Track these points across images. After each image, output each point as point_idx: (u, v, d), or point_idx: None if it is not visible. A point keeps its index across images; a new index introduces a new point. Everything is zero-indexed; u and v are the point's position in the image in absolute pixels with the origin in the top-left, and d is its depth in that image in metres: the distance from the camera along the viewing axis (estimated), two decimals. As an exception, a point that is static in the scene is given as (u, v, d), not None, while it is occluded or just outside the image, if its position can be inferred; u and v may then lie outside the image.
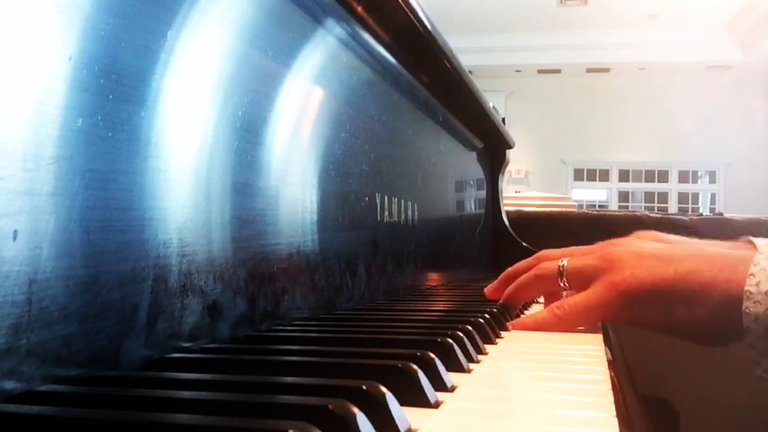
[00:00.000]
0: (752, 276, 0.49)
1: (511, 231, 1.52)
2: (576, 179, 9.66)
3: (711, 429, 1.18)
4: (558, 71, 9.26)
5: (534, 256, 0.70)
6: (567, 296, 0.65)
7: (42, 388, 0.29)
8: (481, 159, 1.46)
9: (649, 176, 9.60)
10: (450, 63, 0.92)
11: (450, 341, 0.42)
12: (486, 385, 0.40)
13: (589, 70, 9.18)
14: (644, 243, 0.61)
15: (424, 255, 0.95)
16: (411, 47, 0.82)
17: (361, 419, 0.25)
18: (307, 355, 0.41)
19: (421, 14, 0.76)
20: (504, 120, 1.52)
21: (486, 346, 0.50)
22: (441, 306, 0.79)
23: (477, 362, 0.45)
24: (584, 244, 0.68)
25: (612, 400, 0.34)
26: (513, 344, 0.55)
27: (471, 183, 1.35)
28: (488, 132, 1.41)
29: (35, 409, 0.26)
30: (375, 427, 0.25)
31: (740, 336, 0.49)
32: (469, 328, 0.48)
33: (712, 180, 9.40)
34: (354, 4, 0.67)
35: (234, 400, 0.27)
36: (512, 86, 9.44)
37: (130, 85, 0.36)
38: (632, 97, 9.16)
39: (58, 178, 0.30)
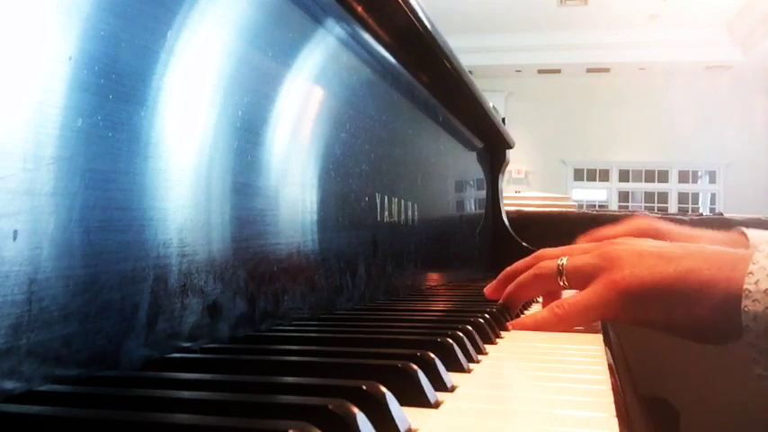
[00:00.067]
0: (751, 275, 0.49)
1: (511, 231, 1.52)
2: (576, 179, 9.65)
3: (711, 428, 1.18)
4: (558, 71, 9.26)
5: (533, 255, 0.70)
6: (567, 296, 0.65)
7: (42, 388, 0.29)
8: (481, 159, 1.46)
9: (649, 176, 9.60)
10: (451, 63, 0.92)
11: (450, 341, 0.42)
12: (486, 385, 0.40)
13: (589, 70, 9.18)
14: (643, 241, 0.61)
15: (424, 255, 0.95)
16: (411, 47, 0.82)
17: (361, 419, 0.25)
18: (307, 355, 0.41)
19: (421, 14, 0.76)
20: (504, 120, 1.52)
21: (486, 346, 0.50)
22: (441, 306, 0.79)
23: (477, 362, 0.45)
24: (584, 244, 0.68)
25: (612, 400, 0.34)
26: (513, 344, 0.55)
27: (471, 183, 1.35)
28: (488, 132, 1.41)
29: (35, 409, 0.26)
30: (375, 427, 0.25)
31: (740, 334, 0.49)
32: (469, 328, 0.48)
33: (712, 180, 9.40)
34: (354, 4, 0.67)
35: (234, 400, 0.27)
36: (512, 86, 9.44)
37: (130, 85, 0.36)
38: (632, 97, 9.16)
39: (58, 178, 0.30)
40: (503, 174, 1.58)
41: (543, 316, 0.61)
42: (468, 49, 7.02)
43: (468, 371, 0.42)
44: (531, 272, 0.67)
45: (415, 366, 0.33)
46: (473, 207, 1.36)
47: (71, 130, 0.31)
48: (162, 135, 0.38)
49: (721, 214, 1.82)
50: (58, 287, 0.30)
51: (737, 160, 8.92)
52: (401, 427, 0.27)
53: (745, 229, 0.74)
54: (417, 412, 0.31)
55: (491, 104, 1.28)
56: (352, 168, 0.68)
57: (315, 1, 0.60)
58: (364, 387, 0.28)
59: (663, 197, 9.52)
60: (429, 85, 0.98)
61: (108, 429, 0.24)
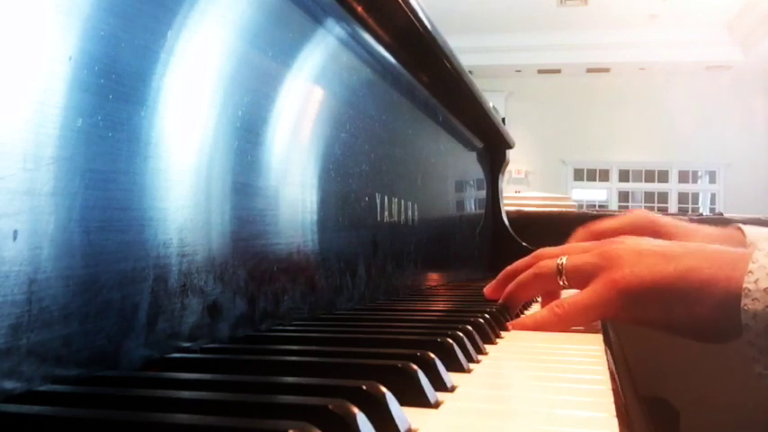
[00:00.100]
0: (750, 274, 0.49)
1: (511, 231, 1.52)
2: (576, 179, 9.65)
3: (712, 428, 1.18)
4: (558, 71, 9.26)
5: (532, 254, 0.70)
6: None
7: (42, 388, 0.29)
8: (481, 159, 1.46)
9: (649, 176, 9.60)
10: (451, 63, 0.92)
11: (450, 341, 0.42)
12: (486, 385, 0.40)
13: (589, 70, 9.18)
14: (643, 240, 0.61)
15: (424, 255, 0.95)
16: (411, 47, 0.82)
17: (361, 419, 0.25)
18: (307, 355, 0.41)
19: (421, 14, 0.76)
20: (504, 120, 1.52)
21: (486, 346, 0.50)
22: (441, 306, 0.79)
23: (478, 362, 0.45)
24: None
25: (612, 400, 0.34)
26: (513, 344, 0.55)
27: (471, 183, 1.35)
28: (488, 132, 1.41)
29: (35, 409, 0.26)
30: (375, 427, 0.25)
31: (739, 333, 0.49)
32: (469, 328, 0.48)
33: (712, 180, 9.40)
34: (354, 4, 0.67)
35: (234, 400, 0.27)
36: (512, 86, 9.44)
37: (130, 85, 0.36)
38: (632, 97, 9.16)
39: (58, 178, 0.30)
40: (503, 174, 1.58)
41: (543, 316, 0.61)
42: (468, 49, 7.02)
43: (468, 371, 0.42)
44: (530, 271, 0.67)
45: (415, 366, 0.33)
46: (473, 207, 1.36)
47: (71, 130, 0.31)
48: (162, 135, 0.38)
49: (721, 214, 1.82)
50: (58, 287, 0.30)
51: (737, 160, 8.93)
52: (401, 427, 0.27)
53: (742, 226, 0.74)
54: (417, 412, 0.31)
55: (491, 104, 1.28)
56: (352, 168, 0.68)
57: (315, 1, 0.60)
58: (364, 387, 0.28)
59: (663, 197, 9.52)
60: (429, 85, 0.98)
61: (108, 429, 0.24)
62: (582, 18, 8.02)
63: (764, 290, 0.47)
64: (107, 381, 0.32)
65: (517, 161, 8.61)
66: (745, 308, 0.48)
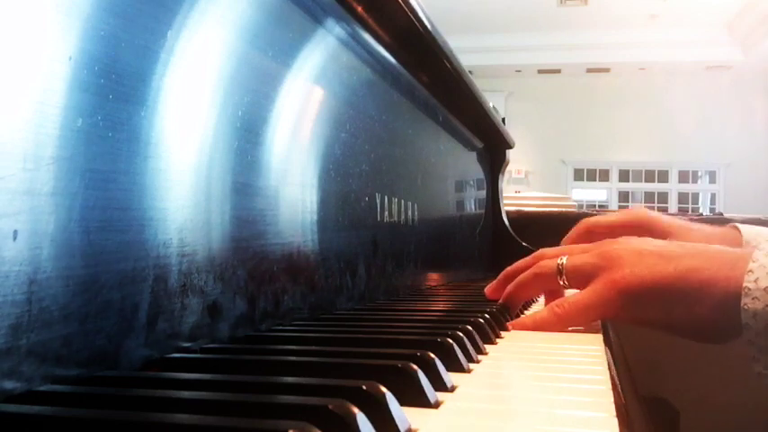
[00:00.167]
0: (750, 273, 0.49)
1: (511, 231, 1.52)
2: (576, 179, 9.65)
3: (711, 428, 1.18)
4: (558, 71, 9.26)
5: (533, 254, 0.70)
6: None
7: (42, 388, 0.29)
8: (481, 159, 1.46)
9: (649, 176, 9.60)
10: (451, 63, 0.92)
11: (450, 341, 0.42)
12: (486, 385, 0.40)
13: (589, 70, 9.18)
14: (643, 240, 0.61)
15: (424, 255, 0.95)
16: (411, 47, 0.82)
17: (361, 419, 0.25)
18: (307, 355, 0.41)
19: (421, 14, 0.76)
20: (504, 120, 1.52)
21: (486, 346, 0.50)
22: (441, 306, 0.79)
23: (478, 362, 0.45)
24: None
25: (612, 400, 0.34)
26: (513, 344, 0.55)
27: (471, 183, 1.35)
28: (488, 132, 1.41)
29: (35, 409, 0.26)
30: (375, 427, 0.25)
31: (739, 333, 0.49)
32: (469, 328, 0.48)
33: (712, 180, 9.40)
34: (354, 4, 0.67)
35: (234, 400, 0.27)
36: (512, 86, 9.44)
37: (130, 85, 0.36)
38: (632, 97, 9.16)
39: (58, 178, 0.30)
40: (503, 174, 1.58)
41: (543, 315, 0.61)
42: (468, 49, 7.02)
43: (468, 371, 0.42)
44: (530, 271, 0.67)
45: (415, 366, 0.33)
46: (473, 207, 1.36)
47: (71, 130, 0.31)
48: (162, 135, 0.38)
49: (721, 214, 1.82)
50: (58, 287, 0.30)
51: (737, 160, 8.92)
52: (401, 427, 0.27)
53: (738, 225, 0.74)
54: (417, 412, 0.31)
55: (491, 104, 1.28)
56: (352, 168, 0.68)
57: (315, 1, 0.60)
58: (364, 387, 0.28)
59: (663, 197, 9.52)
60: (429, 85, 0.98)
61: (108, 429, 0.24)
62: (582, 18, 8.02)
63: (764, 289, 0.47)
64: (107, 381, 0.32)
65: (517, 161, 8.61)
66: (745, 307, 0.48)
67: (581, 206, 6.03)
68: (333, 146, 0.64)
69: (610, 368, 0.43)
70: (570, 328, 0.62)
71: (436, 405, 0.32)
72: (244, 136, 0.47)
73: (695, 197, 9.55)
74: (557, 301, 0.61)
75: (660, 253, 0.57)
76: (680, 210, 9.15)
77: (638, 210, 0.77)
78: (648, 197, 9.60)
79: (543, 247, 0.70)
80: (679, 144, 9.07)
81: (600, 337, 0.58)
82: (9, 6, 0.28)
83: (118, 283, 0.34)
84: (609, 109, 9.24)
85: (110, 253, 0.34)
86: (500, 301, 0.69)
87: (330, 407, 0.25)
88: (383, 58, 0.79)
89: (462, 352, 0.43)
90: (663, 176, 9.54)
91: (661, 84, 9.04)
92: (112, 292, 0.34)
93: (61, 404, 0.28)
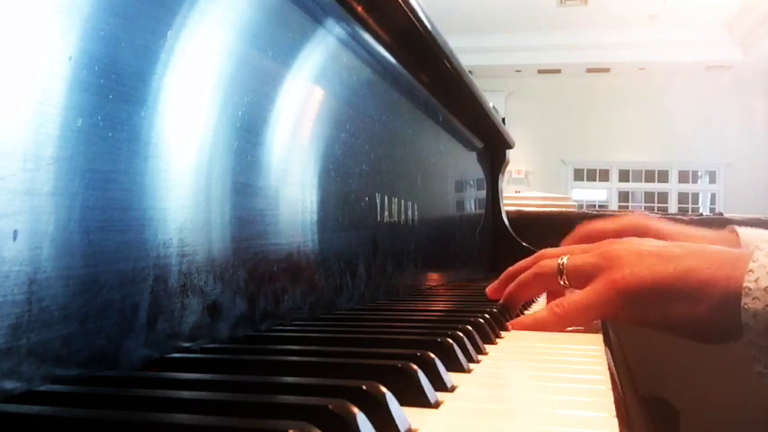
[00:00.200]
0: (751, 273, 0.49)
1: (511, 231, 1.52)
2: (576, 179, 9.65)
3: (711, 428, 1.18)
4: (558, 71, 9.26)
5: (535, 255, 0.70)
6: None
7: (42, 388, 0.29)
8: (481, 159, 1.46)
9: (649, 176, 9.60)
10: (451, 63, 0.92)
11: (450, 341, 0.42)
12: (486, 385, 0.40)
13: (589, 70, 9.18)
14: (644, 241, 0.61)
15: (424, 255, 0.95)
16: (411, 47, 0.82)
17: (361, 419, 0.25)
18: (307, 355, 0.41)
19: (421, 14, 0.76)
20: (504, 120, 1.52)
21: (486, 346, 0.50)
22: (441, 306, 0.79)
23: (478, 362, 0.45)
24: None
25: (612, 400, 0.34)
26: (513, 344, 0.55)
27: (471, 183, 1.35)
28: (488, 132, 1.41)
29: (35, 409, 0.26)
30: (375, 427, 0.25)
31: (739, 333, 0.49)
32: (469, 328, 0.48)
33: (712, 180, 9.40)
34: (354, 4, 0.67)
35: (234, 400, 0.27)
36: (512, 86, 9.44)
37: (130, 85, 0.36)
38: (632, 97, 9.16)
39: (58, 178, 0.30)
40: (503, 174, 1.58)
41: (542, 315, 0.61)
42: (468, 49, 7.02)
43: (468, 371, 0.42)
44: (531, 271, 0.67)
45: (415, 366, 0.33)
46: (473, 207, 1.36)
47: (71, 130, 0.31)
48: (162, 135, 0.38)
49: (721, 214, 1.82)
50: (58, 287, 0.30)
51: (737, 160, 8.92)
52: (401, 427, 0.27)
53: (736, 227, 0.74)
54: (417, 412, 0.31)
55: (491, 104, 1.28)
56: (352, 168, 0.68)
57: (315, 1, 0.60)
58: (364, 387, 0.28)
59: (663, 197, 9.52)
60: (429, 85, 0.98)
61: (108, 429, 0.24)
62: (582, 18, 8.02)
63: (765, 288, 0.47)
64: (107, 381, 0.32)
65: (517, 161, 8.61)
66: (746, 307, 0.48)
67: (581, 206, 6.03)
68: (333, 146, 0.64)
69: (610, 368, 0.43)
70: (570, 329, 0.62)
71: (436, 405, 0.32)
72: (244, 136, 0.47)
73: (695, 197, 9.55)
74: (556, 301, 0.62)
75: (660, 253, 0.57)
76: (680, 210, 9.15)
77: (637, 215, 0.77)
78: (648, 197, 9.60)
79: (543, 247, 0.70)
80: (679, 144, 9.07)
81: (600, 337, 0.58)
82: (9, 6, 0.28)
83: (118, 283, 0.34)
84: (609, 109, 9.24)
85: (110, 253, 0.34)
86: (501, 300, 0.69)
87: (330, 407, 0.25)
88: (383, 58, 0.79)
89: (462, 352, 0.43)
90: (663, 176, 9.53)
91: (661, 84, 9.04)
92: (112, 292, 0.34)
93: (61, 404, 0.28)
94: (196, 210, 0.41)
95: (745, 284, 0.48)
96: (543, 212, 1.98)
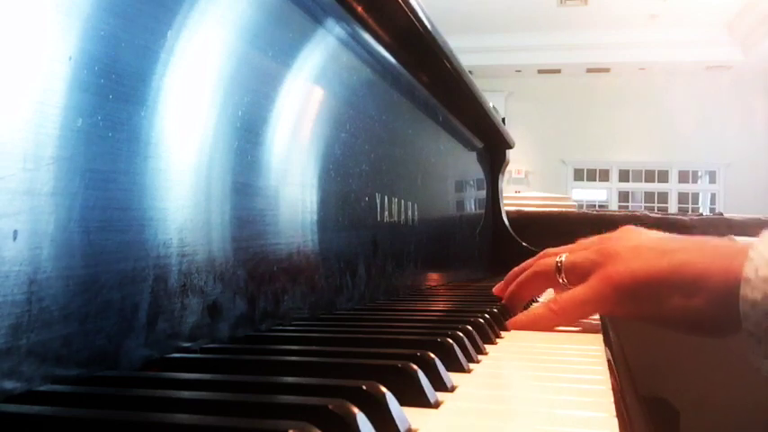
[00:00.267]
0: (750, 261, 0.48)
1: (511, 231, 1.52)
2: (576, 179, 9.65)
3: (712, 428, 1.18)
4: (558, 71, 9.26)
5: (539, 254, 0.70)
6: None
7: (42, 388, 0.29)
8: (481, 159, 1.46)
9: (649, 176, 9.60)
10: (451, 63, 0.92)
11: (451, 341, 0.42)
12: (486, 385, 0.40)
13: (589, 70, 9.18)
14: (642, 235, 0.61)
15: (424, 255, 0.95)
16: (411, 47, 0.82)
17: (361, 419, 0.25)
18: (307, 355, 0.41)
19: (421, 14, 0.76)
20: (504, 120, 1.52)
21: (486, 346, 0.50)
22: (441, 306, 0.79)
23: (478, 362, 0.45)
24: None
25: (612, 400, 0.34)
26: (513, 344, 0.55)
27: (471, 183, 1.35)
28: (488, 132, 1.41)
29: (35, 409, 0.26)
30: (375, 427, 0.25)
31: (737, 325, 0.49)
32: (469, 328, 0.48)
33: (712, 180, 9.40)
34: (354, 4, 0.67)
35: (234, 400, 0.27)
36: (512, 86, 9.44)
37: (130, 85, 0.36)
38: (632, 97, 9.16)
39: (58, 178, 0.30)
40: (503, 174, 1.58)
41: (538, 312, 0.62)
42: (468, 49, 7.02)
43: (468, 371, 0.42)
44: (530, 270, 0.67)
45: (415, 366, 0.33)
46: (473, 207, 1.36)
47: (71, 130, 0.31)
48: (162, 135, 0.38)
49: (721, 214, 1.82)
50: (58, 287, 0.30)
51: (737, 160, 8.92)
52: (401, 427, 0.27)
53: (733, 237, 0.74)
54: (417, 412, 0.31)
55: (491, 104, 1.28)
56: (352, 168, 0.68)
57: (315, 1, 0.60)
58: (364, 387, 0.28)
59: (663, 197, 9.52)
60: (429, 85, 0.98)
61: (108, 429, 0.24)
62: (582, 18, 8.02)
63: (764, 278, 0.47)
64: (107, 381, 0.32)
65: (517, 161, 8.61)
66: (745, 297, 0.48)
67: (581, 206, 6.03)
68: (333, 146, 0.64)
69: (610, 368, 0.43)
70: (570, 329, 0.62)
71: (436, 405, 0.32)
72: (244, 136, 0.47)
73: (695, 197, 9.55)
74: (552, 298, 0.62)
75: (656, 247, 0.57)
76: (680, 210, 9.15)
77: (628, 228, 0.77)
78: (648, 197, 9.60)
79: (543, 247, 0.71)
80: (679, 144, 9.07)
81: (600, 337, 0.58)
82: (9, 6, 0.28)
83: (118, 283, 0.34)
84: (609, 109, 9.24)
85: (110, 253, 0.34)
86: (503, 300, 0.70)
87: (330, 407, 0.25)
88: (383, 58, 0.79)
89: (462, 352, 0.43)
90: (663, 176, 9.53)
91: (661, 84, 9.03)
92: (112, 292, 0.34)
93: (61, 404, 0.28)
94: (196, 210, 0.41)
95: (744, 274, 0.48)
96: (543, 212, 1.98)
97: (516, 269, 0.72)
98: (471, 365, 0.43)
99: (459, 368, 0.41)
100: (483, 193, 1.47)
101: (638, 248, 0.57)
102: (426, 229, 0.97)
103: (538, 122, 9.25)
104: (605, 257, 0.59)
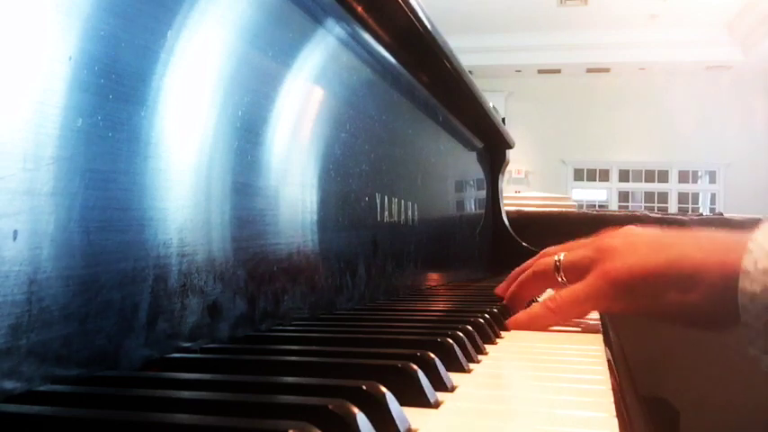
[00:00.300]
0: (750, 253, 0.48)
1: (511, 231, 1.52)
2: (576, 179, 9.65)
3: (712, 428, 1.18)
4: (558, 71, 9.26)
5: (539, 254, 0.70)
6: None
7: (42, 388, 0.29)
8: (481, 159, 1.46)
9: (649, 176, 9.59)
10: (451, 63, 0.92)
11: (451, 341, 0.42)
12: (486, 385, 0.40)
13: (589, 70, 9.18)
14: (640, 230, 0.61)
15: (424, 255, 0.95)
16: (411, 47, 0.82)
17: (361, 419, 0.25)
18: (307, 355, 0.41)
19: (421, 14, 0.76)
20: (504, 120, 1.52)
21: (486, 346, 0.50)
22: (441, 306, 0.79)
23: (478, 362, 0.45)
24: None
25: (612, 400, 0.34)
26: (513, 344, 0.55)
27: (471, 183, 1.35)
28: (488, 132, 1.41)
29: (35, 409, 0.26)
30: (375, 427, 0.25)
31: (735, 319, 0.48)
32: (469, 328, 0.48)
33: (712, 180, 9.40)
34: (354, 4, 0.67)
35: (234, 400, 0.27)
36: (512, 86, 9.44)
37: (130, 85, 0.36)
38: (632, 97, 9.16)
39: (58, 178, 0.30)
40: (503, 174, 1.58)
41: (536, 311, 0.62)
42: (468, 49, 7.02)
43: (469, 371, 0.42)
44: (529, 270, 0.67)
45: (415, 366, 0.33)
46: (473, 207, 1.36)
47: (71, 130, 0.31)
48: (162, 135, 0.38)
49: (721, 214, 1.82)
50: (58, 287, 0.30)
51: (737, 160, 8.92)
52: (401, 427, 0.27)
53: None
54: (417, 412, 0.31)
55: (491, 104, 1.28)
56: (352, 168, 0.68)
57: (315, 1, 0.60)
58: (364, 387, 0.28)
59: (663, 197, 9.52)
60: (429, 85, 0.98)
61: (108, 429, 0.24)
62: (582, 18, 8.02)
63: (763, 270, 0.47)
64: (107, 381, 0.32)
65: (517, 161, 8.60)
66: (743, 289, 0.48)
67: (581, 206, 6.03)
68: (333, 146, 0.64)
69: (610, 368, 0.43)
70: (570, 329, 0.62)
71: (436, 405, 0.32)
72: (244, 136, 0.47)
73: (695, 197, 9.55)
74: (550, 296, 0.62)
75: (652, 243, 0.57)
76: (680, 210, 9.15)
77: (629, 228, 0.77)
78: (648, 197, 9.60)
79: (543, 247, 0.71)
80: (679, 144, 9.07)
81: (600, 337, 0.58)
82: (9, 6, 0.28)
83: (118, 283, 0.34)
84: (609, 109, 9.24)
85: (110, 253, 0.34)
86: (504, 300, 0.70)
87: (330, 407, 0.25)
88: (383, 58, 0.79)
89: (462, 352, 0.43)
90: (663, 176, 9.53)
91: (661, 84, 9.03)
92: (112, 292, 0.34)
93: (61, 404, 0.28)
94: (196, 210, 0.41)
95: (743, 266, 0.48)
96: (543, 212, 1.98)
97: (517, 269, 0.72)
98: (471, 365, 0.43)
99: (460, 368, 0.41)
100: (483, 193, 1.47)
101: (634, 244, 0.58)
102: (426, 229, 0.97)
103: (538, 122, 9.25)
104: (602, 254, 0.59)
